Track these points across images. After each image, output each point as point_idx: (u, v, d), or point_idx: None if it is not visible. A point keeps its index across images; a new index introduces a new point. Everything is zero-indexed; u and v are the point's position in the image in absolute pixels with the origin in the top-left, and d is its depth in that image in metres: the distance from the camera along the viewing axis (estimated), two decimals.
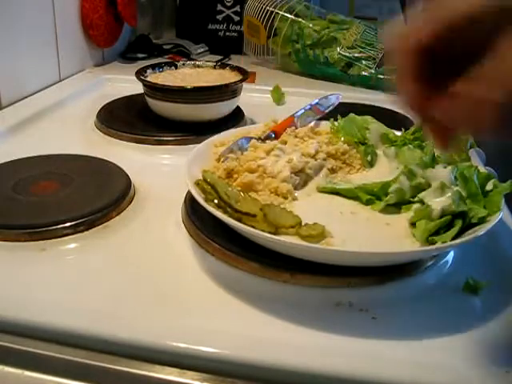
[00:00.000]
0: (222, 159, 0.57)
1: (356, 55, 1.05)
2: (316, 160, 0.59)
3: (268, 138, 0.63)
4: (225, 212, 0.48)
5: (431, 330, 0.41)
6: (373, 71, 1.03)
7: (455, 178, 0.52)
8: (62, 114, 0.85)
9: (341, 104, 0.75)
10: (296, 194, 0.56)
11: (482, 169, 0.54)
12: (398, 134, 0.62)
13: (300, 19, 1.09)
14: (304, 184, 0.58)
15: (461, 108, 0.32)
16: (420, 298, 0.45)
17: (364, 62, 1.04)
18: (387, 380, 0.36)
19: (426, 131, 0.37)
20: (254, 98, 0.94)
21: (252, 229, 0.45)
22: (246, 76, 0.80)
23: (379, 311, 0.43)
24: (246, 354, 0.38)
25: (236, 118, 0.81)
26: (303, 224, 0.48)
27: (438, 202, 0.49)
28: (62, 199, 0.56)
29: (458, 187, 0.51)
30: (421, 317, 0.43)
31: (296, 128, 0.65)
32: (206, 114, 0.77)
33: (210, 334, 0.39)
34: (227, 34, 1.31)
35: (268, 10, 1.11)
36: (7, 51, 0.83)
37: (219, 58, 1.20)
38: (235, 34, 1.30)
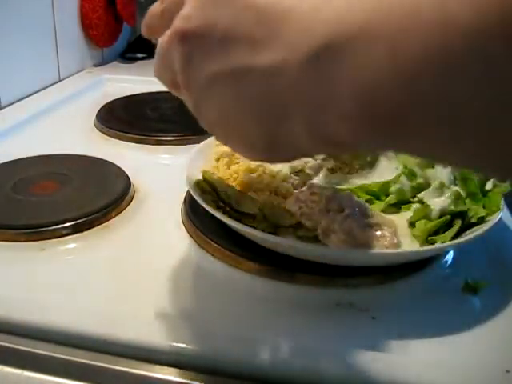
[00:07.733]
0: None
1: None
2: (315, 160, 0.59)
3: None
4: (224, 212, 0.48)
5: (431, 330, 0.41)
6: None
7: (454, 177, 0.52)
8: (62, 114, 0.85)
9: None
10: None
11: None
12: None
13: None
14: (304, 184, 0.58)
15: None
16: (420, 297, 0.45)
17: None
18: (387, 380, 0.36)
19: None
20: None
21: (252, 229, 0.45)
22: None
23: (379, 311, 0.43)
24: (246, 354, 0.38)
25: None
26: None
27: (437, 202, 0.49)
28: (62, 199, 0.56)
29: (457, 187, 0.51)
30: (420, 317, 0.43)
31: None
32: None
33: (210, 334, 0.39)
34: None
35: None
36: (6, 51, 0.83)
37: None
38: None
